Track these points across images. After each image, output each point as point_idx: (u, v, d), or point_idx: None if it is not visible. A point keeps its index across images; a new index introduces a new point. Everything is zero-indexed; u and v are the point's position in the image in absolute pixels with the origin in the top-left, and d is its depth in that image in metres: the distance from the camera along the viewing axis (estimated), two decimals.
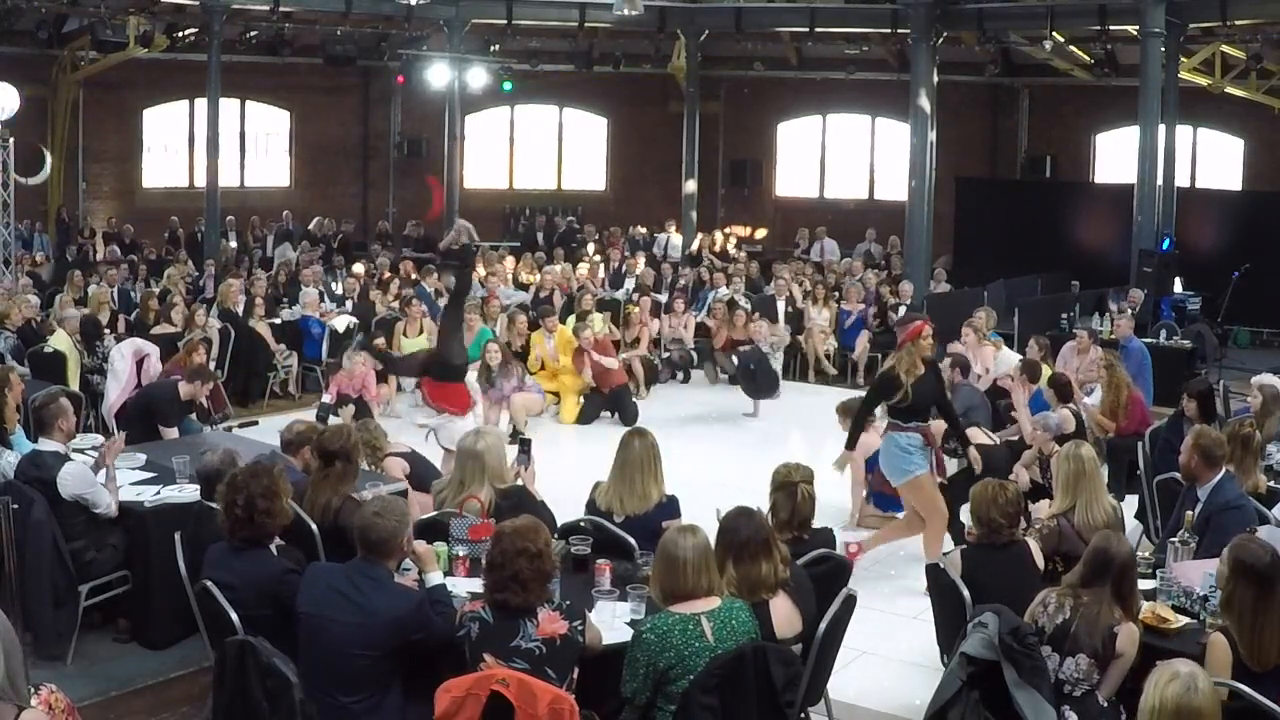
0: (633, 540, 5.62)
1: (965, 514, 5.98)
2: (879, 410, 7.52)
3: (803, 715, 4.85)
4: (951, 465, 8.01)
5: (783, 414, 11.94)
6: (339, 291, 14.86)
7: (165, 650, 6.26)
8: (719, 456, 10.50)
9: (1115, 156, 20.73)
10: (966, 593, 5.14)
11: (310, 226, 20.88)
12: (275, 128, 23.31)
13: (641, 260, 17.61)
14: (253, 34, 19.91)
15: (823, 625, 4.80)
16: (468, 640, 4.27)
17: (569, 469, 9.89)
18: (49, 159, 18.92)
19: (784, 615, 4.70)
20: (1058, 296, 15.77)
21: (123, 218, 20.67)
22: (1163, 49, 15.67)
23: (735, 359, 12.34)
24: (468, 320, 12.09)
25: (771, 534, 4.87)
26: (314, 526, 5.68)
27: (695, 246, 19.95)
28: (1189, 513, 5.70)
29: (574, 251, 19.15)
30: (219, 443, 6.60)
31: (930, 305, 14.60)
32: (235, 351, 12.16)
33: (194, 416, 9.21)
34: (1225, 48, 17.24)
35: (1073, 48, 18.35)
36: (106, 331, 11.73)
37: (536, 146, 24.66)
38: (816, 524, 5.68)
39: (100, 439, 8.01)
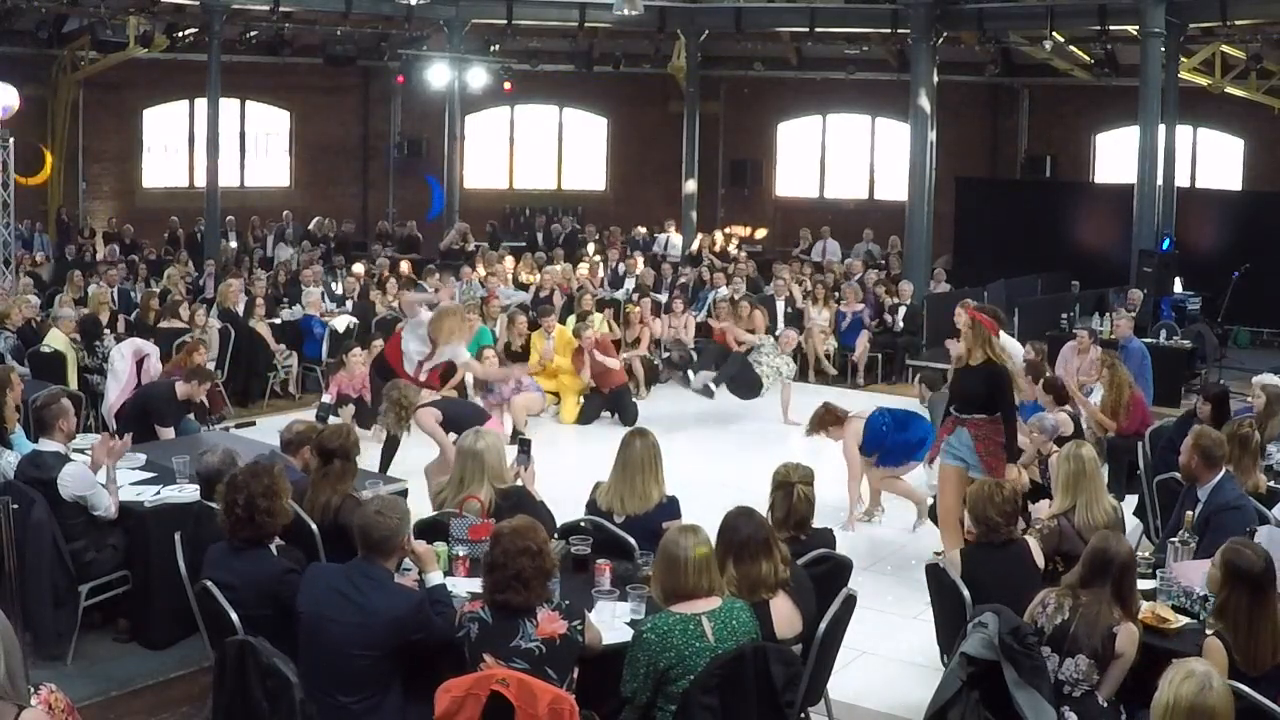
0: (633, 540, 5.63)
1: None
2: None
3: (803, 715, 4.85)
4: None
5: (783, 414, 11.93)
6: (339, 291, 14.88)
7: (165, 650, 6.26)
8: (719, 456, 10.50)
9: (1115, 156, 20.73)
10: (966, 593, 5.14)
11: (310, 226, 20.88)
12: (275, 128, 23.31)
13: (641, 260, 17.60)
14: (253, 34, 19.91)
15: (823, 625, 4.80)
16: (467, 640, 4.27)
17: (569, 469, 9.90)
18: (49, 159, 18.94)
19: (784, 615, 4.70)
20: (1058, 296, 15.78)
21: (123, 218, 20.67)
22: (1163, 49, 15.68)
23: (714, 371, 12.24)
24: (469, 321, 12.11)
25: (772, 534, 4.87)
26: (314, 526, 5.68)
27: (695, 246, 19.95)
28: (1189, 513, 5.70)
29: (574, 251, 19.15)
30: (218, 443, 6.60)
31: (930, 305, 14.61)
32: (235, 351, 12.15)
33: (192, 416, 9.21)
34: (1225, 48, 17.24)
35: (1073, 48, 18.34)
36: (106, 331, 11.73)
37: (536, 146, 24.67)
38: (816, 524, 5.67)
39: (100, 439, 8.01)
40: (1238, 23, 16.06)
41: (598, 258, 18.25)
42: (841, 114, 23.33)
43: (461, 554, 5.36)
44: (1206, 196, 18.87)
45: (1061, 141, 21.35)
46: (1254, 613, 4.39)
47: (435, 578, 4.80)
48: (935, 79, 16.90)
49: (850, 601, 4.99)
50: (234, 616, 4.68)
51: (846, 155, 23.52)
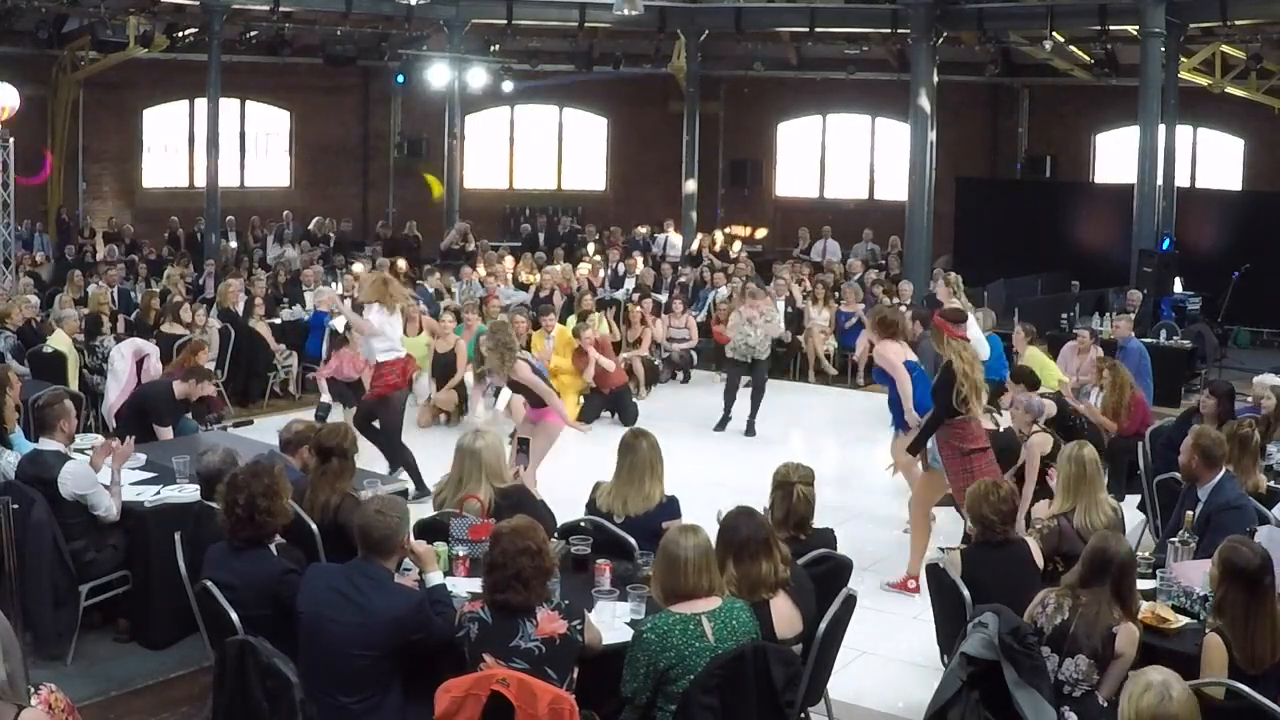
0: (633, 540, 5.63)
1: None
2: None
3: (803, 715, 4.85)
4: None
5: (783, 414, 11.94)
6: (339, 291, 14.87)
7: (165, 650, 6.26)
8: (719, 456, 10.50)
9: (1115, 156, 20.73)
10: (966, 593, 5.14)
11: (310, 226, 20.88)
12: (275, 128, 23.31)
13: (641, 260, 17.61)
14: (253, 34, 19.92)
15: (823, 625, 4.81)
16: (467, 640, 4.27)
17: (569, 469, 9.90)
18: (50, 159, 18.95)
19: (784, 615, 4.70)
20: (1058, 296, 15.79)
21: (123, 218, 20.69)
22: (1163, 49, 15.68)
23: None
24: (466, 320, 12.12)
25: (772, 533, 4.87)
26: (314, 526, 5.68)
27: (695, 246, 19.96)
28: (1189, 513, 5.71)
29: (574, 251, 19.15)
30: (218, 443, 6.60)
31: (930, 305, 14.60)
32: (235, 352, 12.16)
33: (190, 416, 9.22)
34: (1225, 48, 17.24)
35: (1073, 48, 18.35)
36: (106, 331, 11.74)
37: (536, 146, 24.67)
38: (816, 524, 5.67)
39: (100, 439, 8.01)
40: (1238, 23, 16.06)
41: (598, 258, 18.25)
42: (841, 114, 23.34)
43: (461, 554, 5.36)
44: (1206, 196, 18.87)
45: (1061, 141, 21.35)
46: (1250, 610, 4.40)
47: (435, 578, 4.80)
48: (935, 79, 16.90)
49: (850, 601, 4.99)
50: (234, 616, 4.68)
51: (846, 155, 23.52)
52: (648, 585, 4.85)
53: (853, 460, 10.79)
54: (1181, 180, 18.33)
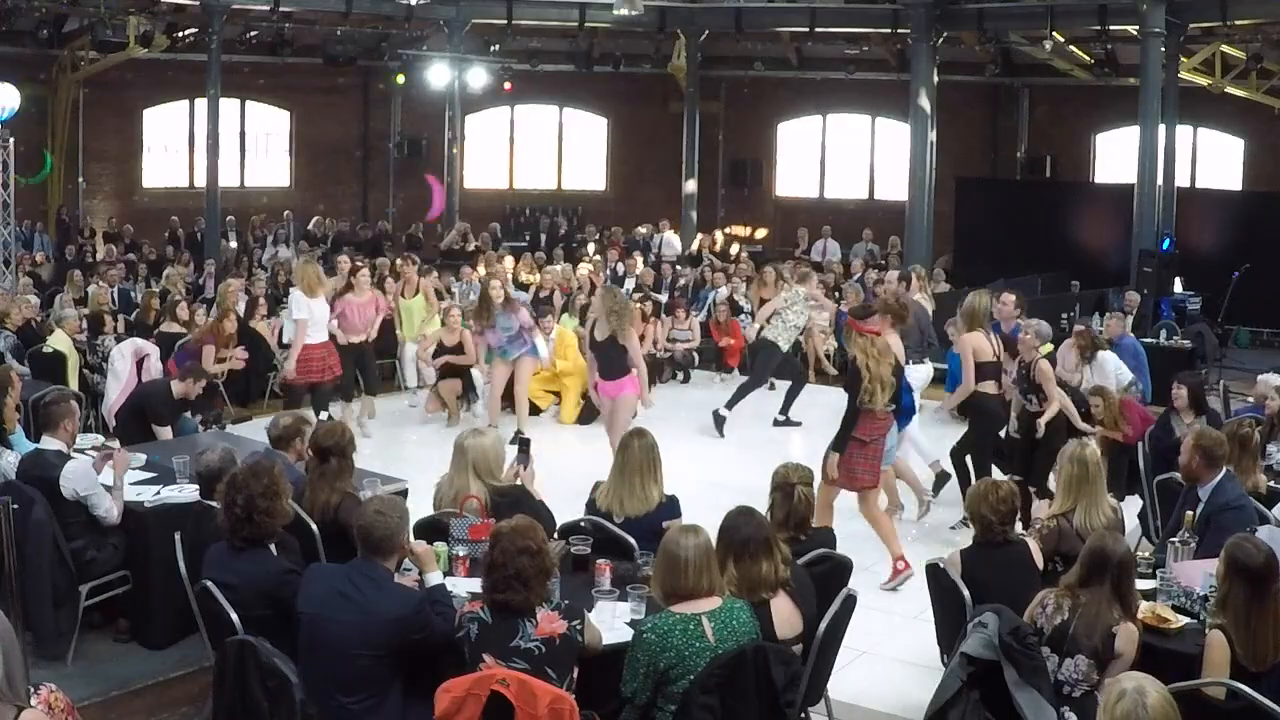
0: (633, 540, 5.62)
1: None
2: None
3: (803, 715, 4.85)
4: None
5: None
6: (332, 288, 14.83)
7: (165, 650, 6.27)
8: (719, 457, 10.49)
9: (1115, 156, 20.73)
10: (966, 593, 5.14)
11: (310, 226, 20.88)
12: (275, 128, 23.32)
13: (640, 260, 17.61)
14: (253, 34, 19.92)
15: (823, 625, 4.80)
16: (467, 641, 4.27)
17: (569, 469, 9.90)
18: (50, 159, 18.95)
19: (784, 616, 4.70)
20: (1058, 296, 15.77)
21: (123, 218, 20.69)
22: (1163, 49, 15.68)
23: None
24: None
25: (772, 534, 4.87)
26: (314, 526, 5.68)
27: (695, 247, 19.95)
28: (1189, 513, 5.70)
29: (574, 251, 19.14)
30: (216, 442, 6.60)
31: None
32: None
33: (189, 415, 9.22)
34: (1225, 48, 17.24)
35: (1073, 48, 18.35)
36: (109, 331, 11.74)
37: (536, 146, 24.67)
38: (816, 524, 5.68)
39: (100, 439, 8.02)
40: (1238, 23, 16.06)
41: (598, 258, 18.24)
42: (841, 114, 23.34)
43: (461, 554, 5.36)
44: (1206, 196, 18.87)
45: (1061, 141, 21.35)
46: (1253, 607, 4.39)
47: (435, 578, 4.80)
48: (935, 79, 16.90)
49: (850, 601, 4.99)
50: (234, 617, 4.68)
51: (846, 155, 23.52)
52: (648, 585, 4.85)
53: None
54: (1181, 180, 18.33)
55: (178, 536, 5.44)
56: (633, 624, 4.69)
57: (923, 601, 5.80)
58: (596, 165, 24.87)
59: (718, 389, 13.53)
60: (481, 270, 16.37)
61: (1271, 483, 6.76)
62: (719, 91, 23.27)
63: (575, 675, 4.31)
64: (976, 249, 19.59)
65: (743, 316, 14.37)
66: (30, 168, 18.23)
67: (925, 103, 16.75)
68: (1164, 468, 7.30)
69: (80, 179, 20.92)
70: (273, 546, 5.07)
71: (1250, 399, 9.26)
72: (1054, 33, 17.06)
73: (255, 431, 9.48)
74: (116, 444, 7.99)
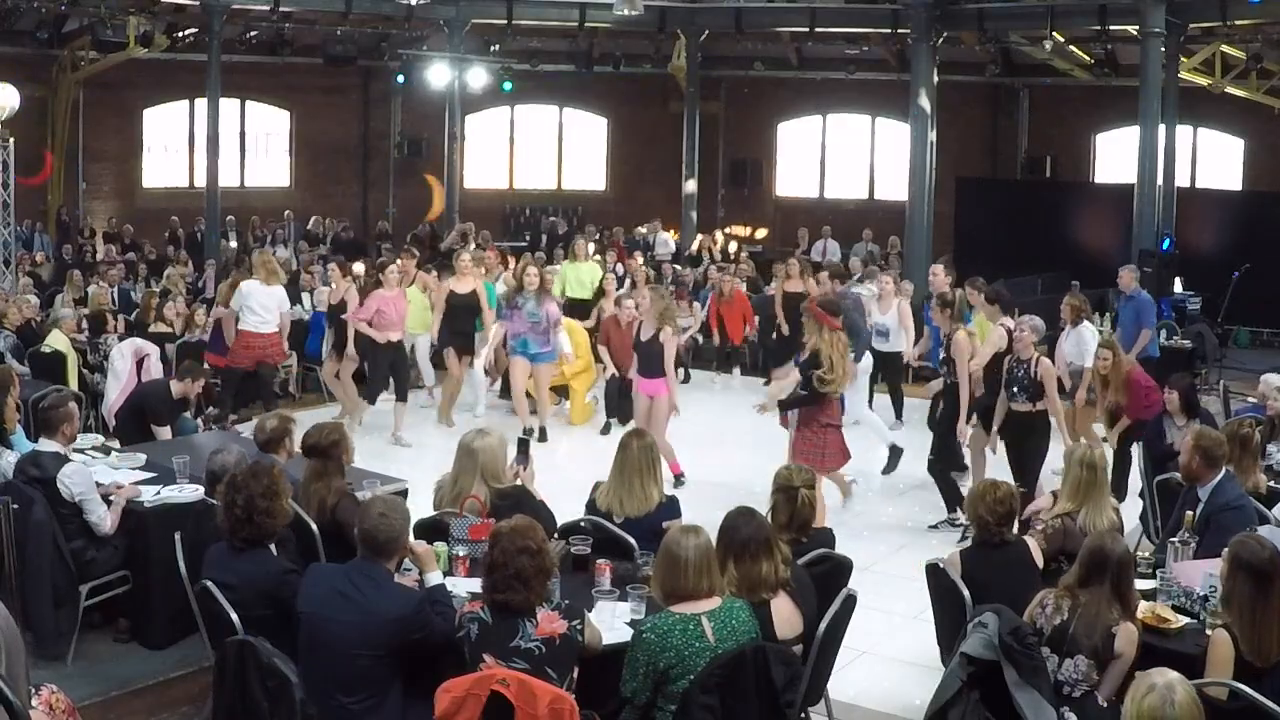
0: (633, 540, 5.62)
1: None
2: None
3: (803, 715, 4.85)
4: None
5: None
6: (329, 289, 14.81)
7: (165, 650, 6.26)
8: (719, 457, 10.49)
9: (1115, 156, 20.73)
10: (966, 593, 5.14)
11: (309, 226, 20.87)
12: (275, 128, 23.32)
13: (640, 259, 17.59)
14: (253, 34, 19.92)
15: (823, 625, 4.80)
16: (467, 641, 4.27)
17: (569, 469, 9.90)
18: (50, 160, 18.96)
19: (785, 616, 4.70)
20: (1058, 296, 15.71)
21: (123, 218, 20.68)
22: (1163, 49, 15.67)
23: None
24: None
25: (773, 534, 4.87)
26: (314, 526, 5.68)
27: (695, 247, 19.95)
28: (1189, 513, 5.70)
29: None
30: (230, 443, 6.59)
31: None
32: None
33: (188, 415, 9.22)
34: (1225, 48, 17.24)
35: (1073, 48, 18.34)
36: (112, 330, 11.74)
37: (536, 146, 24.68)
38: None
39: (100, 439, 8.03)
40: (1238, 23, 16.06)
41: (598, 258, 18.21)
42: (841, 114, 23.34)
43: (461, 554, 5.36)
44: (1206, 196, 18.87)
45: (1061, 141, 21.35)
46: (1258, 603, 4.38)
47: (435, 578, 4.80)
48: (935, 79, 16.89)
49: (850, 601, 4.99)
50: (234, 617, 4.68)
51: (846, 155, 23.52)
52: (648, 585, 4.85)
53: (851, 460, 10.75)
54: (1181, 180, 18.33)
55: (178, 536, 5.44)
56: (633, 624, 4.69)
57: (923, 601, 5.80)
58: (596, 165, 24.86)
59: (718, 390, 13.54)
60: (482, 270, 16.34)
61: (1271, 483, 6.75)
62: (719, 91, 23.27)
63: (575, 675, 4.31)
64: (976, 249, 19.55)
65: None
66: (30, 168, 18.22)
67: (925, 103, 16.75)
68: (1158, 471, 7.30)
69: (80, 179, 20.91)
70: (273, 546, 5.07)
71: (1251, 399, 9.26)
72: (1054, 33, 17.05)
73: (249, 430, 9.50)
74: (116, 444, 8.00)
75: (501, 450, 5.93)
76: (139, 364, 9.99)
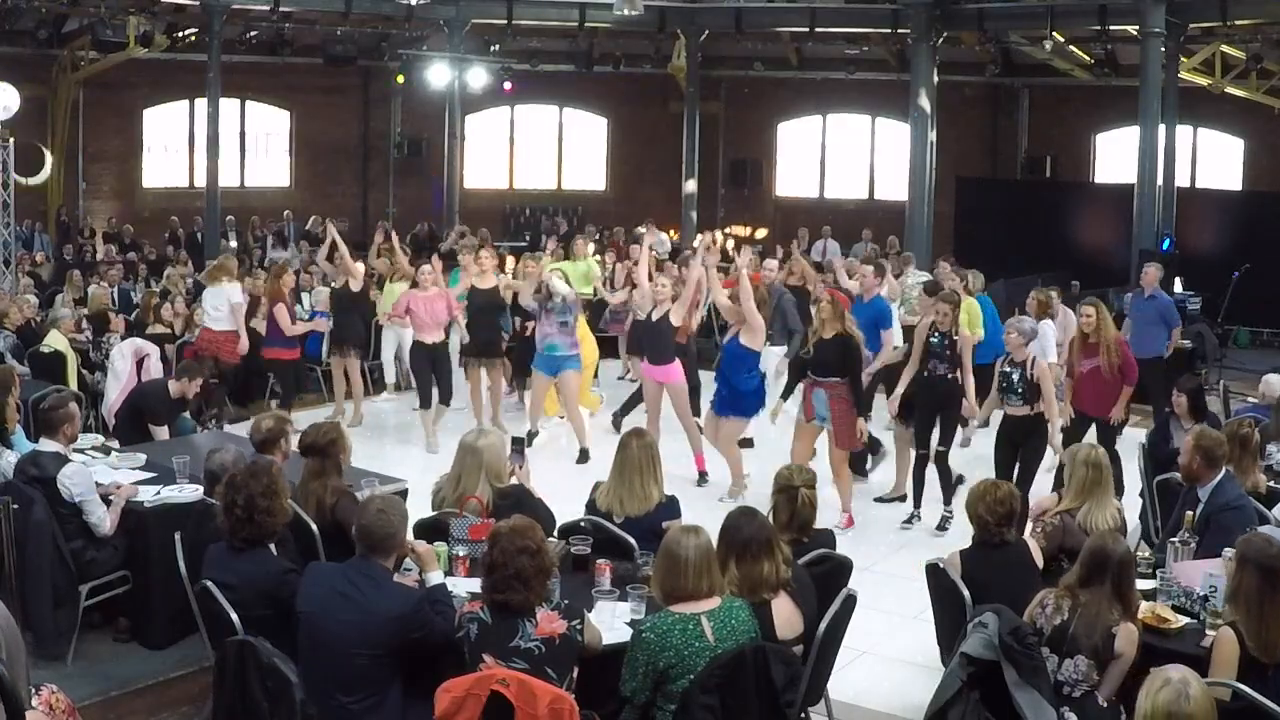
0: (632, 540, 5.62)
1: None
2: None
3: (803, 715, 4.85)
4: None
5: (784, 415, 11.89)
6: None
7: (165, 650, 6.26)
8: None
9: (1115, 156, 20.74)
10: (966, 593, 5.14)
11: (308, 226, 20.87)
12: (275, 128, 23.32)
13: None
14: (253, 34, 19.92)
15: (823, 625, 4.80)
16: (466, 641, 4.26)
17: (569, 468, 9.90)
18: (49, 159, 18.92)
19: (785, 616, 4.70)
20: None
21: (123, 218, 20.69)
22: (1163, 49, 15.68)
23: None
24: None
25: (774, 534, 4.87)
26: (314, 526, 5.68)
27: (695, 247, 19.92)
28: (1189, 513, 5.70)
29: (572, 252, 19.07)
30: (228, 443, 6.59)
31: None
32: None
33: (187, 414, 9.21)
34: (1225, 48, 17.24)
35: (1073, 48, 18.35)
36: (115, 329, 11.73)
37: (536, 146, 24.68)
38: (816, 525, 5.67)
39: (100, 438, 8.03)
40: (1238, 23, 16.06)
41: (598, 257, 18.20)
42: (841, 114, 23.35)
43: (461, 554, 5.36)
44: (1206, 196, 18.87)
45: (1061, 141, 21.35)
46: (1265, 598, 4.38)
47: (436, 577, 4.80)
48: (935, 79, 16.89)
49: (850, 601, 4.99)
50: (234, 617, 4.68)
51: (846, 155, 23.53)
52: (647, 585, 4.85)
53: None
54: (1181, 180, 18.33)
55: (178, 536, 5.44)
56: (632, 624, 4.69)
57: (923, 601, 5.80)
58: (596, 165, 24.87)
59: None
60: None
61: (1271, 483, 6.75)
62: (719, 91, 23.27)
63: (575, 675, 4.31)
64: (976, 249, 19.48)
65: None
66: (30, 168, 18.20)
67: (925, 103, 16.75)
68: (1160, 472, 7.30)
69: (80, 179, 20.91)
70: (272, 546, 5.07)
71: (1251, 399, 9.25)
72: (1054, 33, 17.06)
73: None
74: (116, 444, 8.00)
75: (503, 449, 5.94)
76: (139, 364, 10.00)
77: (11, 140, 14.66)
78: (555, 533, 5.75)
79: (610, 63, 21.90)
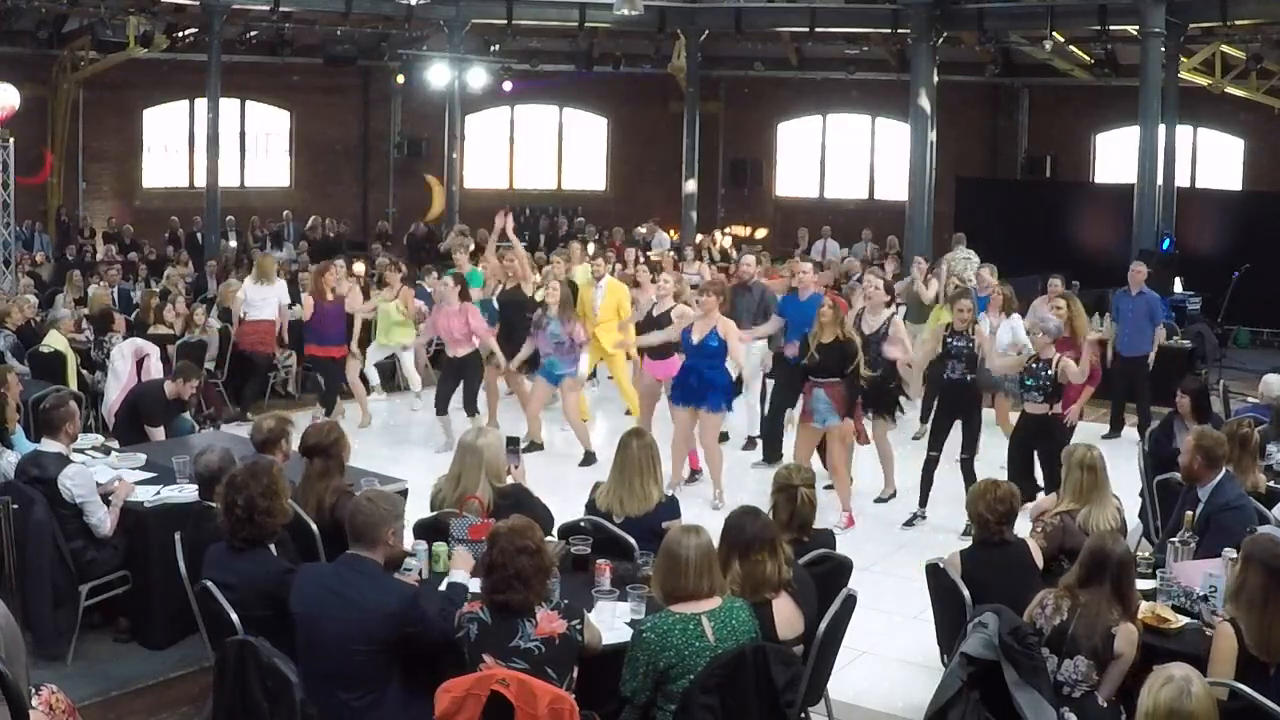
0: (633, 540, 5.62)
1: None
2: None
3: (803, 715, 4.85)
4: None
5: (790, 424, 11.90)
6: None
7: (165, 650, 6.26)
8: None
9: (1115, 156, 20.74)
10: (967, 593, 5.14)
11: (307, 226, 20.86)
12: (275, 128, 23.32)
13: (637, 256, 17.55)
14: (253, 34, 19.92)
15: (823, 625, 4.80)
16: (466, 641, 4.26)
17: (569, 469, 9.90)
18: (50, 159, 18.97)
19: (786, 617, 4.70)
20: None
21: (123, 218, 20.69)
22: (1163, 49, 15.68)
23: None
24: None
25: (777, 534, 4.87)
26: (314, 526, 5.68)
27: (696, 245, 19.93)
28: (1189, 513, 5.70)
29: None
30: (215, 443, 6.58)
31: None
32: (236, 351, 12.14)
33: (187, 415, 9.21)
34: (1225, 48, 17.25)
35: (1073, 48, 18.35)
36: (118, 329, 11.73)
37: (536, 146, 24.68)
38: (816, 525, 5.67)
39: (100, 438, 8.03)
40: (1238, 23, 16.06)
41: (598, 261, 18.17)
42: (841, 114, 23.35)
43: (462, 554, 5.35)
44: (1206, 196, 18.87)
45: (1061, 141, 21.35)
46: (1269, 596, 4.37)
47: (458, 576, 4.74)
48: (935, 79, 16.90)
49: (850, 601, 4.99)
50: (234, 617, 4.68)
51: (846, 155, 23.53)
52: (648, 585, 4.85)
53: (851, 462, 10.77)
54: (1181, 180, 18.33)
55: (178, 536, 5.44)
56: (633, 624, 4.69)
57: (923, 601, 5.80)
58: (596, 165, 24.87)
59: None
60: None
61: (1271, 483, 6.75)
62: (719, 91, 23.28)
63: (575, 675, 4.31)
64: (977, 249, 19.45)
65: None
66: (30, 168, 18.22)
67: (925, 103, 16.75)
68: (1162, 472, 7.30)
69: (80, 179, 20.91)
70: (272, 546, 5.07)
71: (1251, 399, 9.25)
72: (1054, 33, 17.06)
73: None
74: (116, 444, 8.00)
75: (502, 448, 5.94)
76: (139, 364, 10.00)
77: (11, 140, 14.67)
78: (555, 533, 5.75)
79: (610, 63, 21.91)
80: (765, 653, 4.32)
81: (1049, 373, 8.07)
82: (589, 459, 10.08)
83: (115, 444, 8.00)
